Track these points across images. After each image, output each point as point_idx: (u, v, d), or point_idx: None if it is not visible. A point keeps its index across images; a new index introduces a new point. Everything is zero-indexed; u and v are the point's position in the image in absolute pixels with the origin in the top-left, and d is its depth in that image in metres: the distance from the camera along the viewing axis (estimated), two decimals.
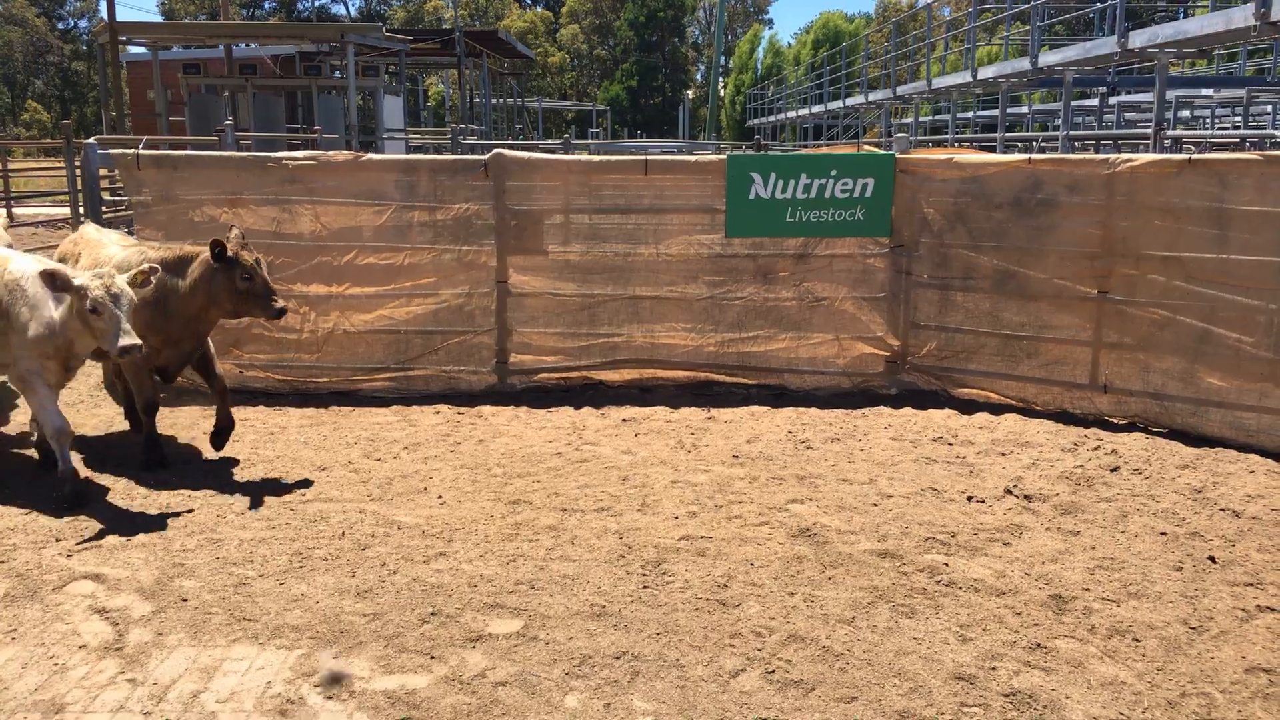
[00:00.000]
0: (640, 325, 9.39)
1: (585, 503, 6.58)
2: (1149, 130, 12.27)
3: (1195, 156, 7.95)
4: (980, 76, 20.02)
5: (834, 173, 9.00)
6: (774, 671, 4.48)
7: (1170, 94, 20.89)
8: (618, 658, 4.59)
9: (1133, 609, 5.10)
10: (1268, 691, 4.33)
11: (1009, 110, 27.07)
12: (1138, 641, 4.77)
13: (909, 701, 4.24)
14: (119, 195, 14.86)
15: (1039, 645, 4.71)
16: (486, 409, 8.90)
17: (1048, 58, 15.74)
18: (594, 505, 6.52)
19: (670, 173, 9.22)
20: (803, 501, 6.61)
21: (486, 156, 9.16)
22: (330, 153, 9.54)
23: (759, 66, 63.02)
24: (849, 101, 32.63)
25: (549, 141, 22.93)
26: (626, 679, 4.42)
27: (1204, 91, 22.71)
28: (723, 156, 9.13)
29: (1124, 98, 23.59)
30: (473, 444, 7.93)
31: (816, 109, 37.10)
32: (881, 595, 5.22)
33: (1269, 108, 20.17)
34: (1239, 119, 20.36)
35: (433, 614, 4.99)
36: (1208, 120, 24.21)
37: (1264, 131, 14.62)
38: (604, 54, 77.88)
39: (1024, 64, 16.38)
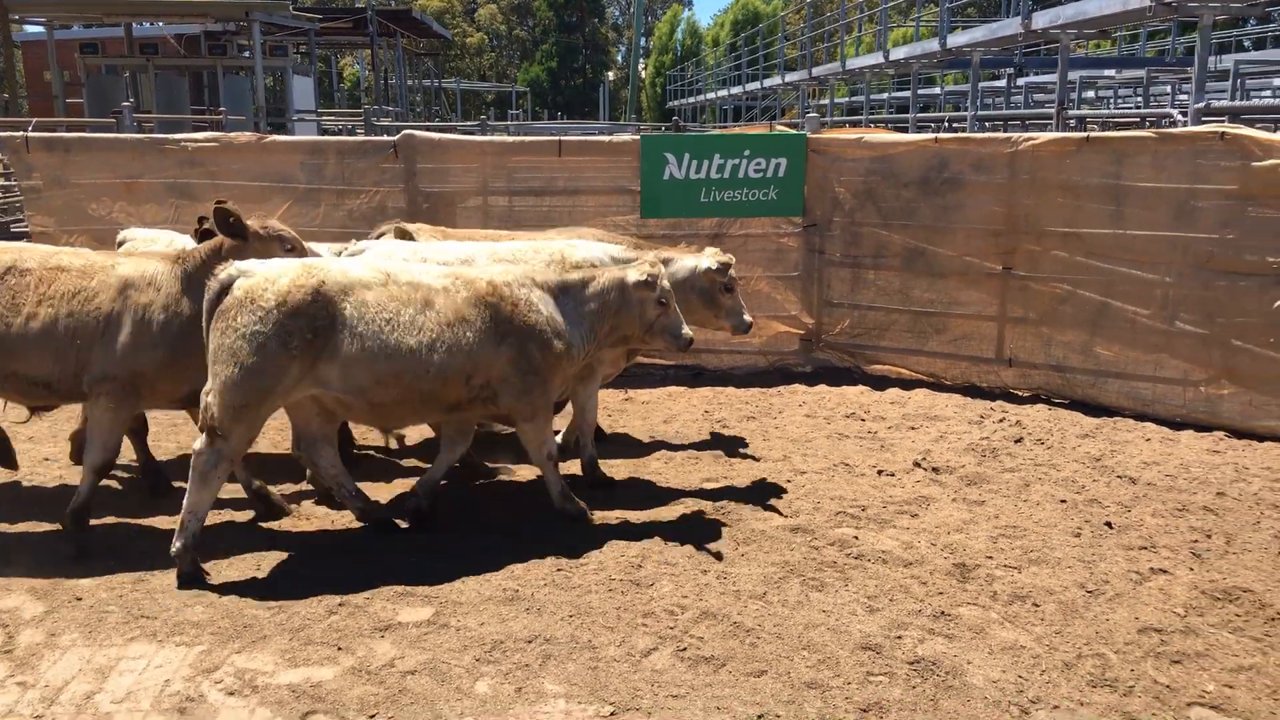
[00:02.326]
0: None
1: (500, 487, 6.52)
2: (1054, 110, 12.58)
3: (1093, 135, 8.20)
4: (892, 57, 20.28)
5: (747, 153, 9.04)
6: (685, 649, 4.50)
7: (1074, 75, 21.46)
8: (529, 641, 4.56)
9: (1033, 575, 5.24)
10: (1159, 650, 4.50)
11: (921, 92, 27.53)
12: (1037, 606, 4.91)
13: (817, 673, 4.30)
14: (12, 181, 14.23)
15: (943, 613, 4.82)
16: None
17: (956, 39, 16.04)
18: (509, 489, 6.47)
19: (585, 154, 9.16)
20: (717, 480, 6.65)
21: (396, 138, 8.99)
22: (232, 134, 9.26)
23: (679, 48, 63.05)
24: (767, 83, 32.83)
25: (466, 123, 22.59)
26: (538, 662, 4.40)
27: (1106, 72, 23.36)
28: (636, 137, 9.11)
29: (1031, 79, 24.13)
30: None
31: (735, 90, 37.24)
32: (793, 570, 5.28)
33: (1167, 88, 20.83)
34: (1139, 99, 20.98)
35: (340, 605, 4.89)
36: (1110, 101, 24.91)
37: (1162, 110, 15.09)
38: (523, 35, 77.03)
39: (934, 45, 16.66)
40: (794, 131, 9.64)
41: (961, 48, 16.95)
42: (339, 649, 4.51)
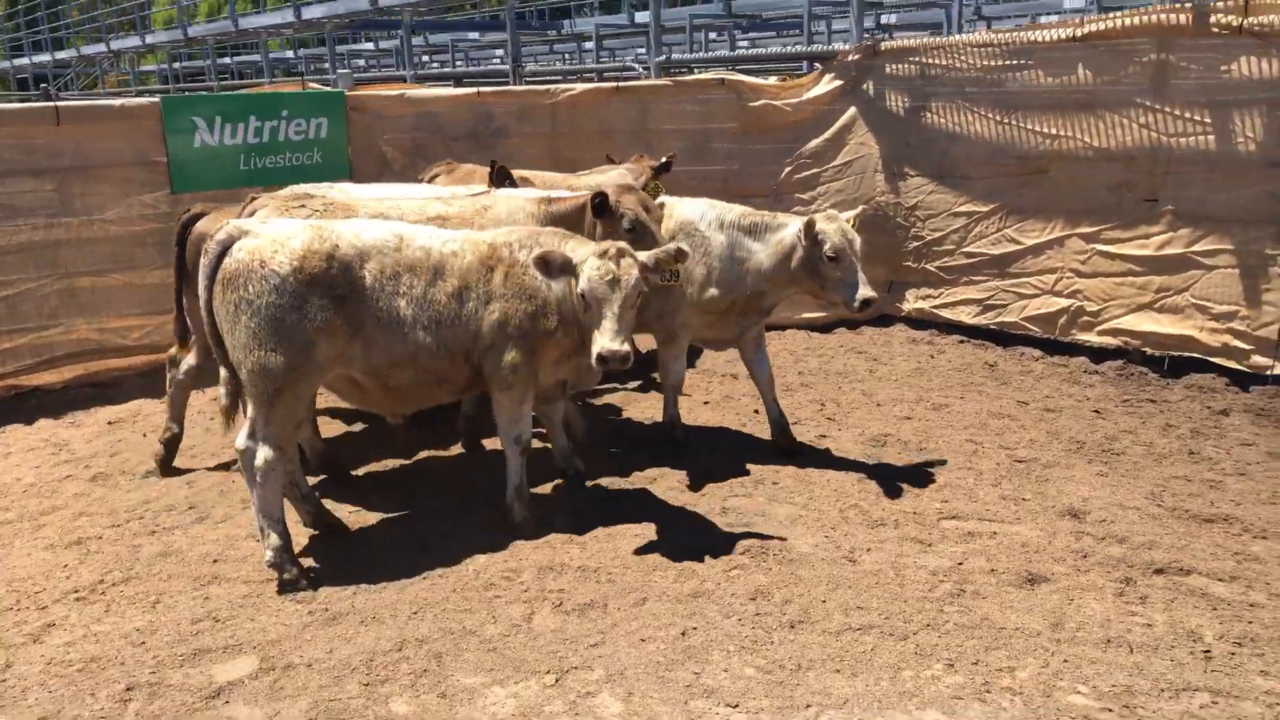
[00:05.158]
0: (83, 312, 7.72)
1: (160, 518, 5.45)
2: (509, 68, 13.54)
3: (622, 85, 9.13)
4: (243, 26, 19.38)
5: (285, 114, 8.33)
6: (560, 604, 4.42)
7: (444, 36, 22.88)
8: (400, 649, 4.09)
9: (823, 477, 6.04)
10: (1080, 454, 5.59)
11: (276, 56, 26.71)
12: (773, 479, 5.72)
13: (687, 584, 4.55)
14: None
15: (732, 496, 5.38)
16: None
17: (312, 11, 16.00)
18: (164, 516, 5.45)
19: (91, 121, 7.57)
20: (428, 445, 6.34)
21: None
22: None
23: None
24: (59, 55, 29.38)
25: None
26: (433, 664, 3.99)
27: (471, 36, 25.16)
28: (155, 100, 7.82)
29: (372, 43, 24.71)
30: None
31: (21, 61, 32.52)
32: (568, 508, 5.39)
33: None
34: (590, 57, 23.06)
35: (128, 690, 3.84)
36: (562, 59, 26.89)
37: (624, 64, 17.04)
38: None
39: (289, 14, 16.47)
40: (330, 89, 9.05)
41: (319, 19, 17.25)
42: None
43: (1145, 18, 7.20)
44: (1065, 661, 3.91)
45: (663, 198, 6.38)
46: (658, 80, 9.67)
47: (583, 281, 4.62)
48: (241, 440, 4.64)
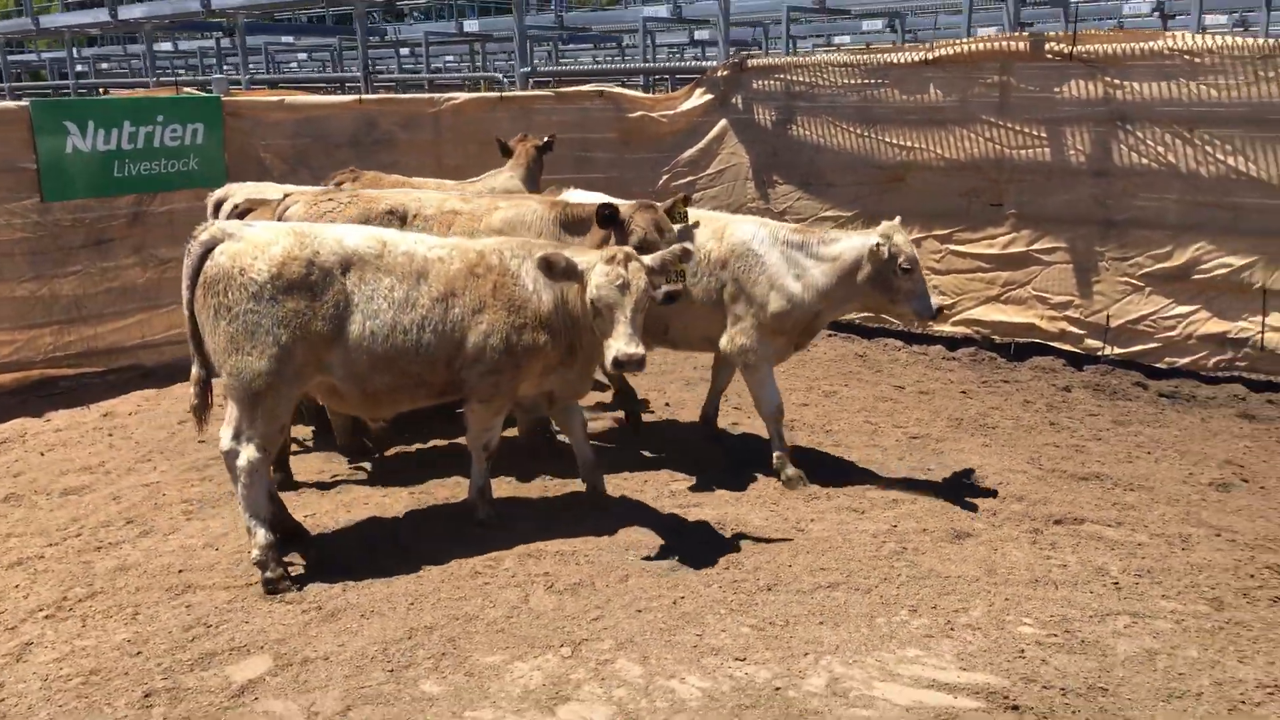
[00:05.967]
0: None
1: (100, 534, 5.28)
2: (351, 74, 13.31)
3: (506, 95, 9.36)
4: (121, 17, 18.37)
5: (160, 118, 8.08)
6: (552, 585, 4.66)
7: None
8: (410, 638, 4.23)
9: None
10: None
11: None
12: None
13: (664, 559, 4.90)
14: None
15: (674, 481, 5.76)
16: None
17: (131, 10, 15.38)
18: (102, 532, 5.30)
19: None
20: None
21: None
22: None
23: None
24: None
25: None
26: (449, 649, 4.15)
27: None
28: (24, 103, 7.40)
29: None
30: None
31: None
32: (532, 507, 5.62)
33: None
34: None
35: (147, 696, 3.81)
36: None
37: (490, 74, 17.00)
38: None
39: (103, 14, 15.76)
40: (205, 94, 8.77)
41: (138, 19, 16.65)
42: None
43: (989, 44, 8.16)
44: (1007, 600, 4.53)
45: (719, 216, 6.31)
46: (541, 90, 9.95)
47: (592, 288, 4.68)
48: (226, 441, 4.64)
